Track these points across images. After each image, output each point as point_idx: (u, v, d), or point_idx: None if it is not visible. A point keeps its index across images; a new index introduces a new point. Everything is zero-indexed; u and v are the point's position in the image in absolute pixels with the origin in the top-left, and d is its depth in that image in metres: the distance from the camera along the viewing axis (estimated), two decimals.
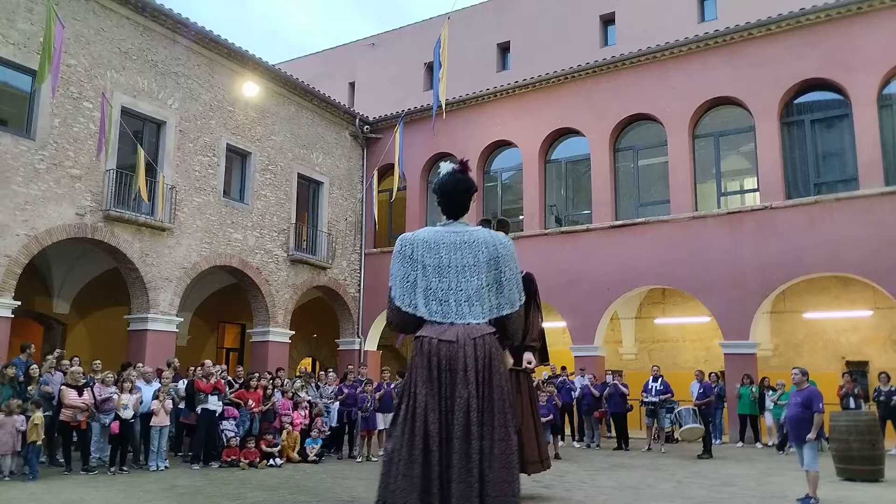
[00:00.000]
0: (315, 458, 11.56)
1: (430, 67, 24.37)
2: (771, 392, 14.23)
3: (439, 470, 3.38)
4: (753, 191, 15.99)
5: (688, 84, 16.41)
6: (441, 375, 3.51)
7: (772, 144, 15.36)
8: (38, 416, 9.15)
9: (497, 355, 3.61)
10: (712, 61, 16.21)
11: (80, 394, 9.83)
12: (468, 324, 3.62)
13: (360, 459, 11.71)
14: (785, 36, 15.39)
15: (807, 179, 15.28)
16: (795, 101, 15.64)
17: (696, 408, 12.65)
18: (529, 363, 7.25)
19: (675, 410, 12.95)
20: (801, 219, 14.76)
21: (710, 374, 14.76)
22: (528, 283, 6.97)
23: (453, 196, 3.91)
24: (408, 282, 3.74)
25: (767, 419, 14.40)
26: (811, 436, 7.27)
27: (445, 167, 3.99)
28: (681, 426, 12.39)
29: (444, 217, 3.92)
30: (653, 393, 13.76)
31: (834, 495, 7.88)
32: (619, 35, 22.22)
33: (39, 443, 9.15)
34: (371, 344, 20.30)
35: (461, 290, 3.68)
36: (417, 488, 3.36)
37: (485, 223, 7.82)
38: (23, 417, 9.08)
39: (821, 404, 7.43)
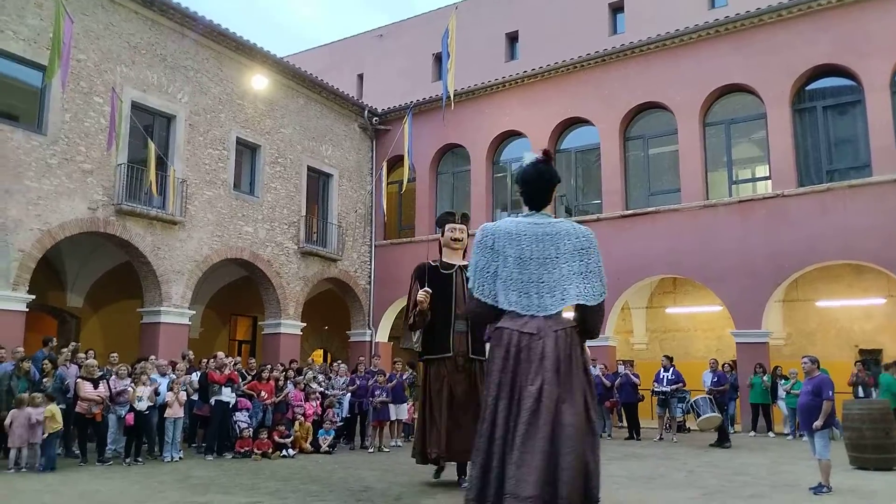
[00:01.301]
0: (327, 448, 11.63)
1: (438, 58, 24.29)
2: (784, 381, 14.16)
3: (500, 457, 3.45)
4: (765, 179, 15.87)
5: (698, 71, 16.28)
6: (518, 366, 3.54)
7: (783, 131, 15.23)
8: (52, 408, 9.22)
9: (577, 347, 3.65)
10: (722, 48, 16.07)
11: (96, 386, 9.93)
12: (549, 316, 3.64)
13: (371, 450, 11.77)
14: (796, 22, 15.22)
15: (819, 166, 15.15)
16: (807, 88, 15.48)
17: (711, 396, 12.59)
18: None
19: (692, 400, 12.86)
20: (813, 206, 14.64)
21: (723, 363, 14.72)
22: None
23: (536, 186, 3.91)
24: (488, 272, 3.76)
25: (782, 408, 14.34)
26: (818, 423, 7.25)
27: (529, 157, 3.98)
28: (698, 416, 12.31)
29: (525, 208, 3.92)
30: (664, 383, 13.74)
31: (847, 483, 7.85)
32: (629, 23, 22.07)
33: (56, 433, 9.19)
34: (382, 335, 20.36)
35: (542, 283, 3.69)
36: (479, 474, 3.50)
37: (448, 215, 7.74)
38: (40, 410, 9.18)
39: (830, 392, 7.38)
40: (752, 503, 6.80)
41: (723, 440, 12.30)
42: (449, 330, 7.01)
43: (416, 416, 9.97)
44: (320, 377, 13.14)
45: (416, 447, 7.43)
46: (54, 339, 12.02)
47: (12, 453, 9.07)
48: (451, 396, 6.90)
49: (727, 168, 16.40)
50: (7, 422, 9.08)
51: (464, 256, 7.55)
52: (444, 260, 7.47)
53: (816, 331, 17.57)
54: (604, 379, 14.70)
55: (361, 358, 15.04)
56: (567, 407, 3.44)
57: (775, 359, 15.61)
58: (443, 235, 7.56)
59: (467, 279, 6.07)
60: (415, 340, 7.09)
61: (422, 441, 7.14)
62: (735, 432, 14.61)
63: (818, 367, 7.89)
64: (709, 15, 19.59)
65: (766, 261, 14.93)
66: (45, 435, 9.08)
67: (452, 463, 7.22)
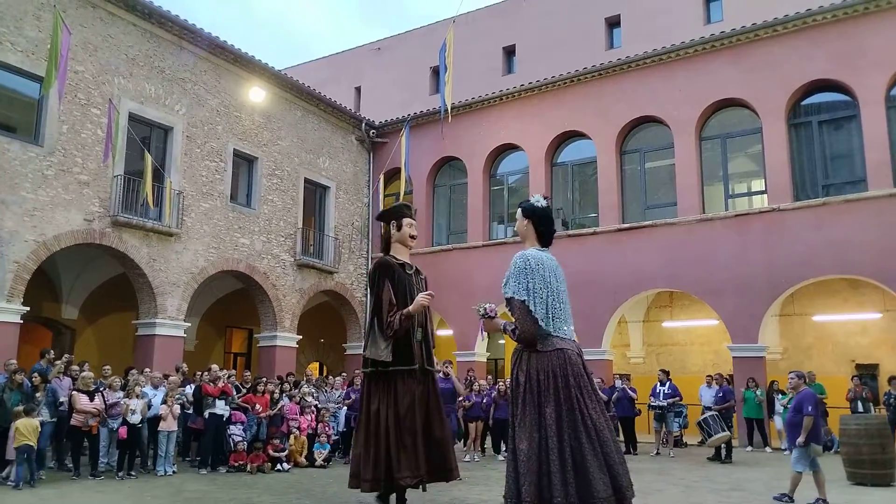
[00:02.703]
0: (323, 462, 11.55)
1: (435, 71, 24.39)
2: (781, 396, 14.12)
3: (573, 470, 4.18)
4: (761, 193, 15.92)
5: (694, 86, 16.37)
6: (579, 382, 4.34)
7: (779, 146, 15.30)
8: (23, 422, 8.96)
9: None
10: (719, 63, 16.16)
11: (91, 399, 9.86)
12: (574, 340, 4.56)
13: None
14: (792, 37, 15.33)
15: (815, 181, 15.21)
16: (803, 103, 15.57)
17: (717, 413, 12.52)
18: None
19: (700, 418, 12.73)
20: (809, 221, 14.68)
21: (715, 375, 14.65)
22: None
23: (550, 225, 4.83)
24: (540, 297, 4.47)
25: (777, 423, 14.29)
26: (800, 440, 7.41)
27: (538, 199, 4.93)
28: (709, 434, 12.19)
29: (538, 243, 4.79)
30: (661, 397, 13.70)
31: (843, 499, 7.81)
32: (625, 37, 22.22)
33: (21, 447, 8.81)
34: None
35: (567, 311, 4.62)
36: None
37: (406, 209, 6.70)
38: (34, 423, 9.13)
39: (810, 407, 7.49)
40: None
41: (726, 456, 12.24)
42: (411, 339, 6.16)
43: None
44: (312, 391, 13.04)
45: (362, 474, 5.99)
46: (52, 351, 11.95)
47: (7, 468, 8.99)
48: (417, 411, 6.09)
49: (723, 182, 16.44)
50: (11, 434, 9.01)
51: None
52: (396, 258, 6.39)
53: (813, 345, 17.56)
54: (600, 393, 14.59)
55: (357, 371, 14.95)
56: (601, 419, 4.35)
57: (772, 373, 15.59)
58: (398, 230, 6.37)
59: (424, 281, 6.56)
60: (383, 348, 5.97)
61: (375, 466, 5.90)
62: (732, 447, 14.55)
63: (805, 383, 7.99)
64: (705, 30, 19.73)
65: (762, 275, 14.94)
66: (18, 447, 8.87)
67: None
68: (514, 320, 4.70)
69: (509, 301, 4.93)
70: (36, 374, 10.21)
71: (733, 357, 15.34)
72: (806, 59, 15.12)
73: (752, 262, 15.09)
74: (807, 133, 15.50)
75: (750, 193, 16.53)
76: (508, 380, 6.12)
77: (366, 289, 20.59)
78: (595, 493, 4.10)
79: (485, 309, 5.06)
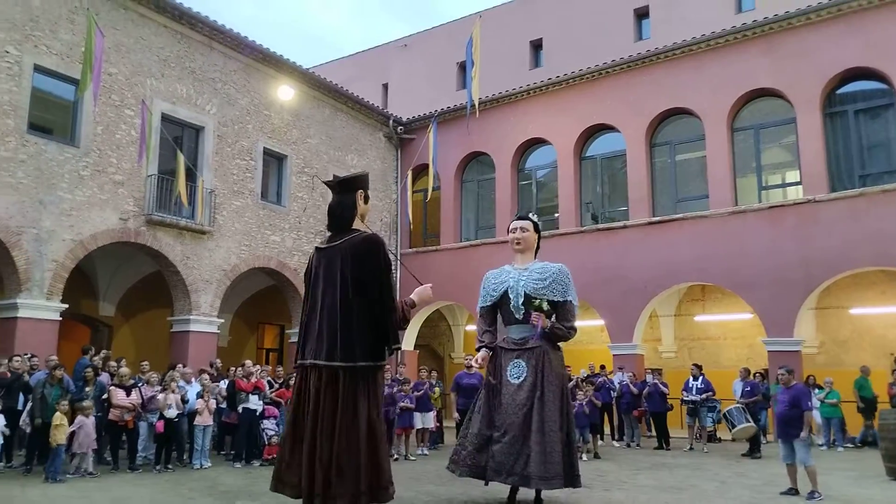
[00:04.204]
0: None
1: (462, 67, 24.37)
2: (818, 390, 13.88)
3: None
4: (796, 184, 15.61)
5: (725, 76, 16.11)
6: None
7: (814, 136, 14.99)
8: (60, 416, 9.23)
9: None
10: (750, 52, 15.88)
11: (128, 394, 10.08)
12: None
13: (396, 457, 11.76)
14: (826, 24, 14.99)
15: (851, 171, 14.87)
16: (838, 92, 15.23)
17: (743, 406, 12.36)
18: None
19: (724, 410, 12.61)
20: (845, 212, 14.37)
21: (755, 372, 14.45)
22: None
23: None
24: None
25: (815, 417, 14.01)
26: (804, 434, 7.54)
27: (536, 216, 7.14)
28: (732, 426, 12.07)
29: (534, 256, 7.06)
30: (693, 391, 13.54)
31: (882, 496, 7.66)
32: (654, 28, 21.94)
33: (59, 444, 9.05)
34: (408, 343, 20.37)
35: None
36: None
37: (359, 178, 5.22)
38: (92, 419, 9.40)
39: (809, 402, 7.78)
40: None
41: (753, 450, 12.07)
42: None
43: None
44: None
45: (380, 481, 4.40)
46: (93, 347, 12.24)
47: (75, 460, 9.22)
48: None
49: (756, 174, 16.17)
50: (76, 427, 9.25)
51: None
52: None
53: (850, 338, 17.20)
54: (632, 387, 14.54)
55: (387, 366, 15.03)
56: None
57: (808, 367, 15.30)
58: (366, 202, 5.09)
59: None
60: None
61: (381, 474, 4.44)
62: (767, 442, 14.34)
63: (793, 378, 8.14)
64: (735, 19, 19.39)
65: (797, 267, 14.67)
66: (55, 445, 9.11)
67: None
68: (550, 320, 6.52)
69: (563, 304, 6.54)
70: (89, 369, 10.47)
71: (768, 351, 15.09)
72: (841, 47, 14.78)
73: (786, 254, 14.83)
74: (843, 122, 15.16)
75: (784, 185, 16.23)
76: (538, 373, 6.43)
77: (395, 285, 20.63)
78: (577, 471, 6.34)
79: (548, 304, 6.43)
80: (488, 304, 6.84)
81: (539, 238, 6.99)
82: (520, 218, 7.02)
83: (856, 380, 14.28)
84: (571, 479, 6.19)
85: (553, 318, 6.54)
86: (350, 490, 4.18)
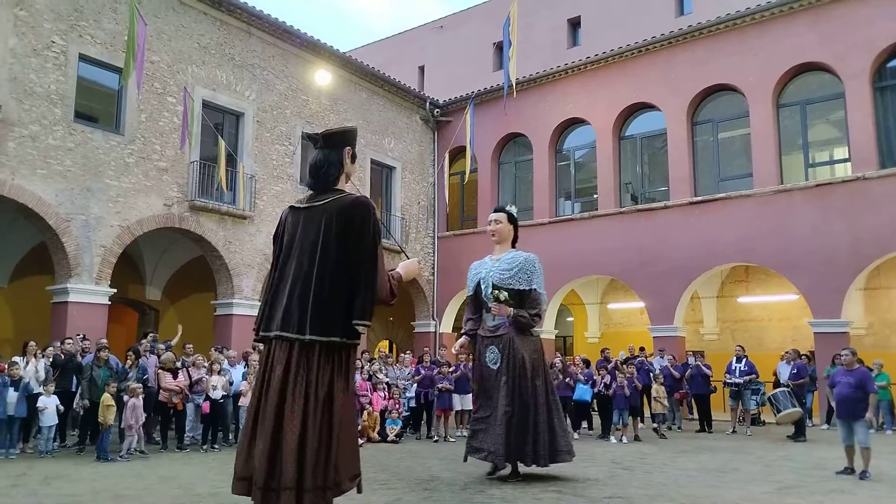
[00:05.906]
0: (395, 438, 11.79)
1: (499, 47, 24.13)
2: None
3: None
4: (844, 161, 15.14)
5: (770, 51, 15.65)
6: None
7: (864, 111, 14.49)
8: (109, 396, 9.43)
9: None
10: (796, 26, 15.38)
11: (175, 376, 10.35)
12: None
13: (436, 439, 11.87)
14: None
15: None
16: (888, 65, 14.67)
17: (789, 389, 12.13)
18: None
19: (770, 393, 12.38)
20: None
21: (801, 355, 14.14)
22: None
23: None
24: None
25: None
26: (869, 415, 7.65)
27: (512, 207, 7.49)
28: (778, 410, 11.85)
29: (511, 246, 7.56)
30: (737, 374, 13.32)
31: None
32: (696, 3, 21.38)
33: (108, 425, 9.31)
34: (446, 326, 20.48)
35: None
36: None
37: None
38: (139, 400, 9.64)
39: (874, 385, 7.89)
40: (834, 499, 6.53)
41: (798, 434, 11.86)
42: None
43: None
44: (382, 367, 13.30)
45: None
46: (153, 332, 12.61)
47: (127, 440, 9.43)
48: None
49: (803, 151, 15.72)
50: (129, 408, 9.43)
51: None
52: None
53: None
54: (672, 370, 14.37)
55: (426, 349, 15.15)
56: None
57: (857, 349, 14.87)
58: (353, 161, 4.36)
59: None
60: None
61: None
62: (813, 425, 14.08)
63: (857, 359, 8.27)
64: None
65: (845, 247, 14.27)
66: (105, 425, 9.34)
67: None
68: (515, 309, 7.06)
69: (529, 293, 7.00)
70: (130, 353, 10.76)
71: (815, 333, 14.74)
72: (891, 18, 14.20)
73: (834, 233, 14.43)
74: (893, 97, 14.61)
75: (832, 162, 15.75)
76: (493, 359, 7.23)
77: (433, 268, 20.71)
78: (561, 448, 6.96)
79: (505, 296, 6.94)
80: (470, 293, 7.56)
81: (516, 229, 7.53)
82: (496, 210, 7.59)
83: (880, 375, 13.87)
84: (521, 454, 6.82)
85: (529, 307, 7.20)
86: (320, 483, 3.68)
